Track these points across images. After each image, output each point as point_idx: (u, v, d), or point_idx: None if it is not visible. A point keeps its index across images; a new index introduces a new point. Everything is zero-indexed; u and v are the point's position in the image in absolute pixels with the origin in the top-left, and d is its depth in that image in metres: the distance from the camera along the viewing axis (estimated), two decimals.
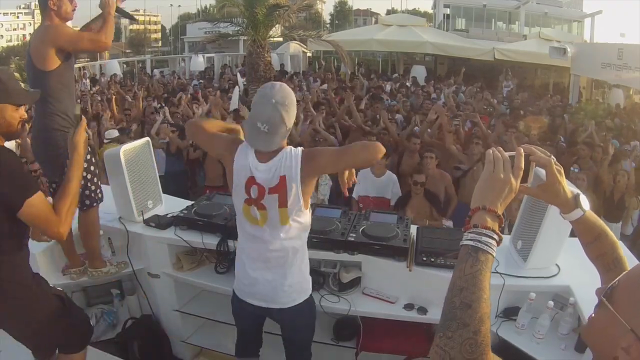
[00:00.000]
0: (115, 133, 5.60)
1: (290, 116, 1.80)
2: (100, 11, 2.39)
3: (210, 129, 2.00)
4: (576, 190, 1.16)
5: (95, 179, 2.46)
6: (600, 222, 1.14)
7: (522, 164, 0.97)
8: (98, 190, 2.48)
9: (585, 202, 1.11)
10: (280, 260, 1.94)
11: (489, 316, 0.84)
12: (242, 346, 2.26)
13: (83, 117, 1.96)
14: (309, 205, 1.94)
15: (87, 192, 2.42)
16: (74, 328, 1.98)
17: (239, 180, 1.88)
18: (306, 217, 1.93)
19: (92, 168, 2.43)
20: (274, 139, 1.78)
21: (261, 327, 2.22)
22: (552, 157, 1.06)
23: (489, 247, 0.89)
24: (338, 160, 1.84)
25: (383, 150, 1.81)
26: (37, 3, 2.39)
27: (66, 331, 1.94)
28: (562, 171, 1.08)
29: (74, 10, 2.27)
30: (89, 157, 2.40)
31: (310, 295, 2.07)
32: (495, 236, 0.90)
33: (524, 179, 1.01)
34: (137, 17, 2.74)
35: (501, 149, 0.99)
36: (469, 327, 0.81)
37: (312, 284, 2.09)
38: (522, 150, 0.99)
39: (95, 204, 2.48)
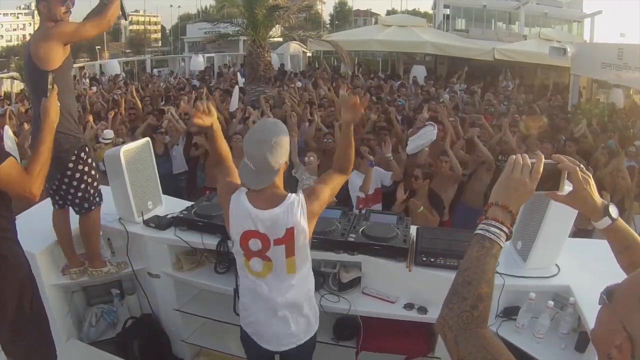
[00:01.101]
0: (111, 134, 5.57)
1: (277, 155, 1.72)
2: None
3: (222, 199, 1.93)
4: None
5: (94, 183, 2.45)
6: (633, 232, 1.15)
7: (540, 168, 1.04)
8: (96, 194, 2.48)
9: (614, 210, 1.13)
10: (287, 310, 1.90)
11: (489, 296, 0.93)
12: None
13: (55, 85, 2.00)
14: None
15: (86, 195, 2.41)
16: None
17: (235, 234, 1.83)
18: (309, 256, 1.91)
19: (92, 172, 2.43)
20: (260, 177, 1.74)
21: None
22: (581, 165, 1.11)
23: (496, 236, 0.98)
24: (333, 193, 1.92)
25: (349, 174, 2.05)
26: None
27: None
28: (590, 180, 1.12)
29: (66, 12, 2.24)
30: (89, 160, 2.41)
31: (316, 332, 2.04)
32: (504, 228, 0.99)
33: (556, 187, 1.09)
34: (129, 16, 2.75)
35: (526, 155, 1.06)
36: (467, 301, 0.92)
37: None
38: (542, 156, 1.06)
39: (93, 207, 2.47)
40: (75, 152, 2.32)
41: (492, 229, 0.98)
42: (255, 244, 1.80)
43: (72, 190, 2.37)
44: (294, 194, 1.81)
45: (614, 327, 0.78)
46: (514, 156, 1.06)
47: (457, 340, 0.90)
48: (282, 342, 1.96)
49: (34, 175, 1.76)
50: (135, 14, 49.51)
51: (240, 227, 1.80)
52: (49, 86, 2.02)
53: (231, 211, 1.82)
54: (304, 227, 1.77)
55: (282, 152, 1.74)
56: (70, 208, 2.48)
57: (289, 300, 1.89)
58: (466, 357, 0.89)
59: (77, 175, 2.36)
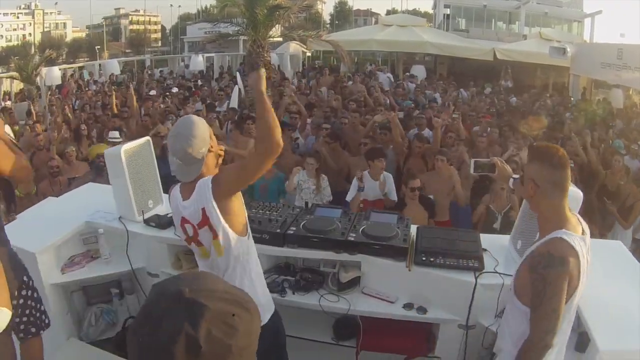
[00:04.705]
0: (117, 134, 5.59)
1: (196, 146, 1.76)
2: None
3: None
4: None
5: (39, 305, 2.03)
6: None
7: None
8: (44, 316, 2.06)
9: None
10: None
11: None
12: None
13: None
14: (247, 230, 1.90)
15: (30, 317, 1.97)
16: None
17: (176, 222, 1.97)
18: (241, 243, 1.86)
19: (33, 294, 2.00)
20: (188, 169, 1.81)
21: None
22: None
23: None
24: (240, 173, 1.80)
25: (276, 151, 1.71)
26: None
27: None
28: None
29: None
30: (25, 279, 1.98)
31: (272, 315, 1.97)
32: None
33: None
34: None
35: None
36: None
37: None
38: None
39: (41, 332, 2.04)
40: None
41: None
42: (188, 229, 1.89)
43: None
44: (203, 177, 1.82)
45: None
46: None
47: None
48: None
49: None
50: (135, 14, 49.55)
51: (178, 215, 1.92)
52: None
53: (171, 204, 1.98)
54: (214, 206, 1.77)
55: (200, 142, 1.79)
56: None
57: (227, 278, 1.83)
58: None
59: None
